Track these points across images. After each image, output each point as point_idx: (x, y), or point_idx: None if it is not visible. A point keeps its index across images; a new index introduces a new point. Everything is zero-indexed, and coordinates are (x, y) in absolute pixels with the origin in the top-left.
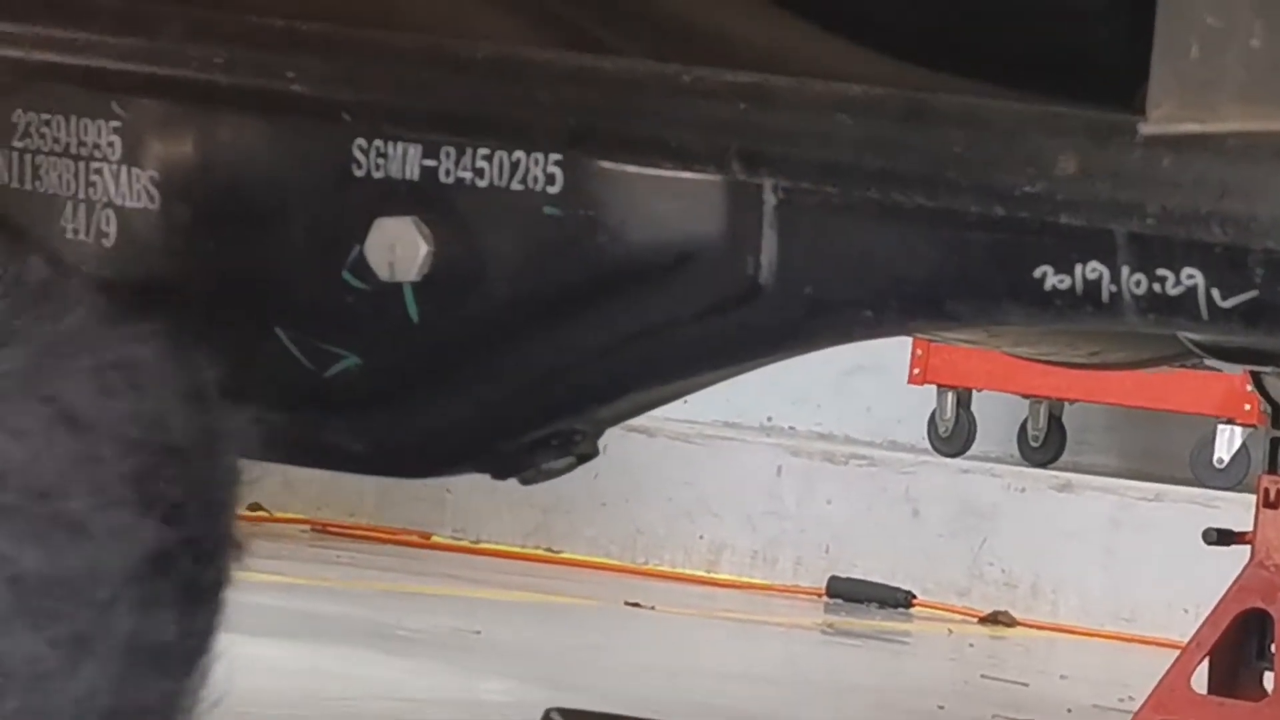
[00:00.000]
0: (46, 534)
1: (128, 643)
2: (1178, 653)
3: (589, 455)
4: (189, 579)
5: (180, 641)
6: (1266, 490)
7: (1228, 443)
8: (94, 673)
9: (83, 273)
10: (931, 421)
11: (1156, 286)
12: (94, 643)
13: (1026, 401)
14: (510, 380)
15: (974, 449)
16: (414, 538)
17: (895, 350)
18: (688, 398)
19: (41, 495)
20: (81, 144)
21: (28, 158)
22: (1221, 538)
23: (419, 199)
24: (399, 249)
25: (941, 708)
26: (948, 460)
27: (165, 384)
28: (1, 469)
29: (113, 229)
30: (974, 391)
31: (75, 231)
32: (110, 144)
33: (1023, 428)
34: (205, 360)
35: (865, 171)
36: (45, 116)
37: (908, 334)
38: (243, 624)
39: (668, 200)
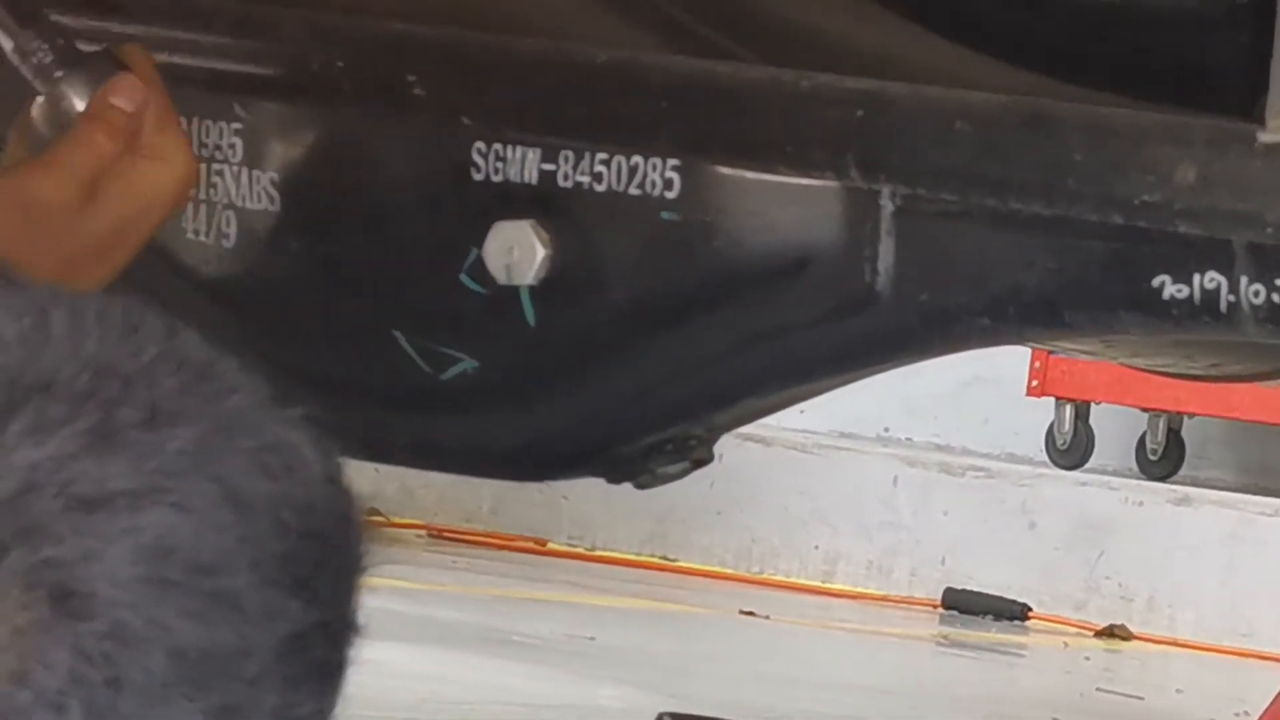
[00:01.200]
0: (206, 609)
1: (272, 716)
2: None
3: (704, 461)
4: (323, 660)
5: (314, 718)
6: None
7: None
8: None
9: (235, 358)
10: (1049, 434)
11: (1276, 296)
12: (243, 715)
13: (1145, 415)
14: (626, 384)
15: (1091, 462)
16: (530, 544)
17: (1013, 361)
18: (803, 407)
19: (204, 571)
20: (203, 145)
21: None
22: None
23: (537, 203)
24: (517, 252)
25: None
26: (1065, 473)
27: (312, 469)
28: (170, 544)
29: (233, 230)
30: (1092, 404)
31: (196, 232)
32: (231, 146)
33: (1141, 441)
34: (337, 447)
35: (984, 179)
36: None
37: (1024, 343)
38: (363, 627)
39: (785, 206)
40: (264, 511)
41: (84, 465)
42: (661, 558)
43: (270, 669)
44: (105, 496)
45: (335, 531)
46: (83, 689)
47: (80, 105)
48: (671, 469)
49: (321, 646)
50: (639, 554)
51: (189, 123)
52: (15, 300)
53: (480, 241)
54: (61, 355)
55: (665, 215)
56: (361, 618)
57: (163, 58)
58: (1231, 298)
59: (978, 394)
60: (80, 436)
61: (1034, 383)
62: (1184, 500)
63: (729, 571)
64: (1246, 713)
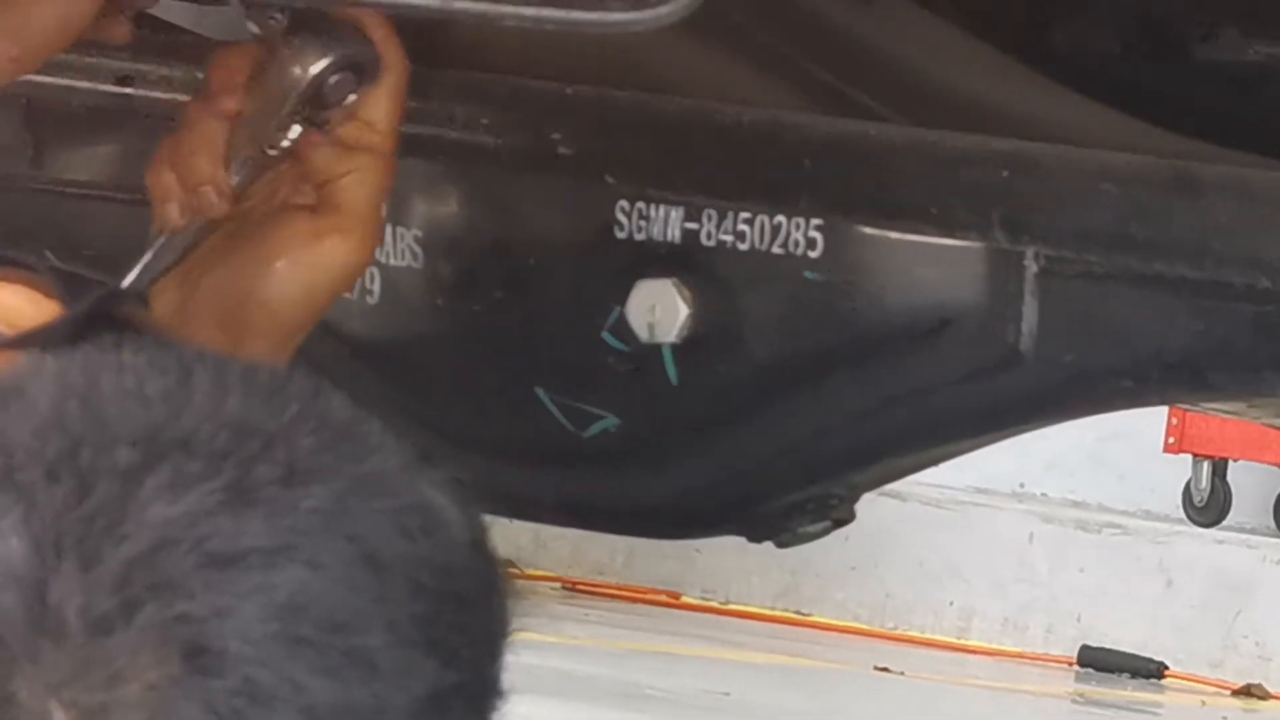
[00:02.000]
0: (339, 668)
1: None
2: None
3: (845, 520)
4: (464, 708)
5: None
6: None
7: None
8: None
9: (378, 420)
10: (1186, 491)
11: None
12: None
13: None
14: (768, 443)
15: (1229, 519)
16: (663, 597)
17: (1150, 418)
18: None
19: (338, 629)
20: None
21: None
22: None
23: (680, 261)
24: (659, 311)
25: None
26: (1202, 530)
27: (453, 531)
28: (302, 602)
29: (377, 286)
30: (1230, 461)
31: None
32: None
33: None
34: (481, 513)
35: (1129, 241)
36: None
37: (1167, 404)
38: (508, 691)
39: (928, 265)
40: (400, 572)
41: (219, 522)
42: (795, 612)
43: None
44: (239, 553)
45: (475, 594)
46: None
47: (308, 70)
48: (813, 528)
49: (460, 708)
50: (773, 609)
51: None
52: (162, 358)
53: (623, 299)
54: (202, 413)
55: (808, 274)
56: (506, 682)
57: None
58: None
59: (1114, 450)
60: (216, 493)
61: (1171, 439)
62: None
63: (863, 627)
64: None
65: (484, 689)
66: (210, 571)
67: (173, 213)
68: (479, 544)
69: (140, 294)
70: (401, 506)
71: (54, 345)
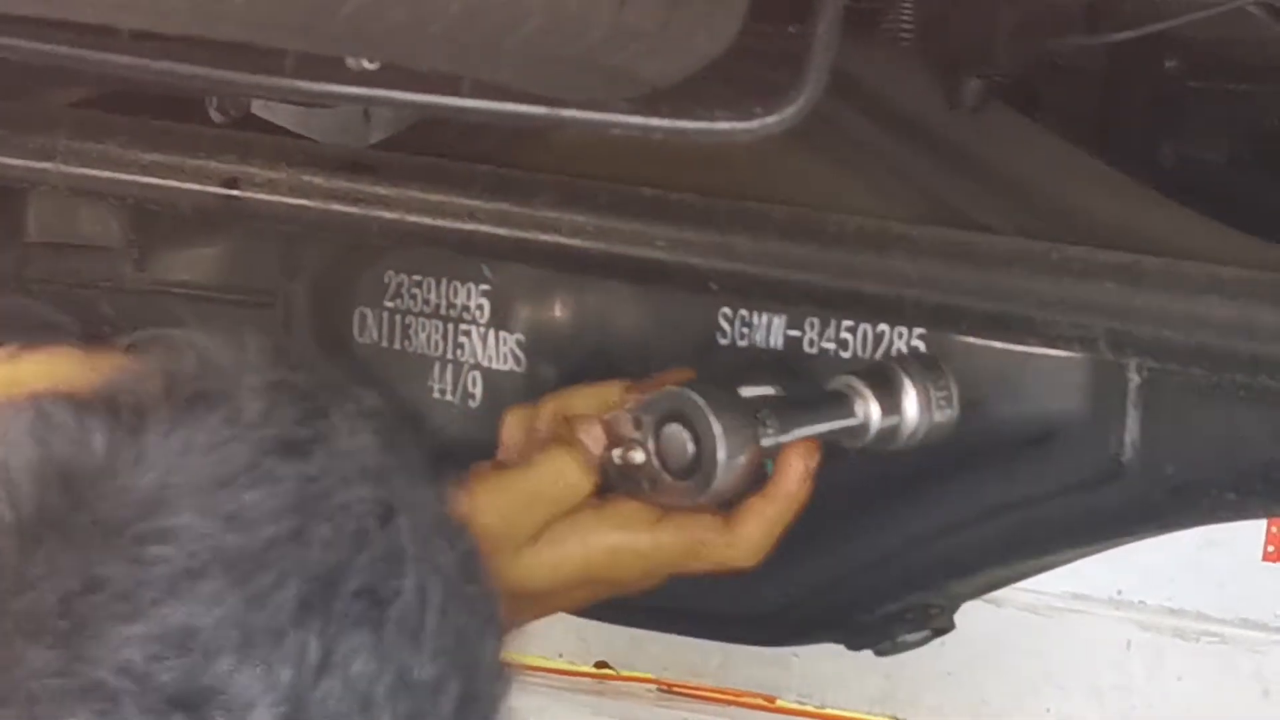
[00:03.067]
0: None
1: None
2: None
3: (944, 630)
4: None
5: None
6: None
7: None
8: None
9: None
10: None
11: None
12: None
13: None
14: (869, 551)
15: None
16: (759, 700)
17: (1249, 526)
18: None
19: (391, 695)
20: (451, 306)
21: (398, 318)
22: None
23: (782, 368)
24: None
25: None
26: None
27: (463, 574)
28: (364, 687)
29: (479, 390)
30: None
31: (442, 392)
32: (479, 307)
33: None
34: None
35: (1234, 355)
36: (416, 278)
37: (1271, 516)
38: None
39: (1032, 376)
40: (440, 631)
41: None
42: (892, 717)
43: None
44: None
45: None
46: None
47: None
48: (911, 637)
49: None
50: (869, 713)
51: (437, 283)
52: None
53: None
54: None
55: None
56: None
57: (414, 218)
58: None
59: (1213, 557)
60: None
61: (1270, 548)
62: None
63: None
64: None
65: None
66: (319, 685)
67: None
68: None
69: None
70: (431, 553)
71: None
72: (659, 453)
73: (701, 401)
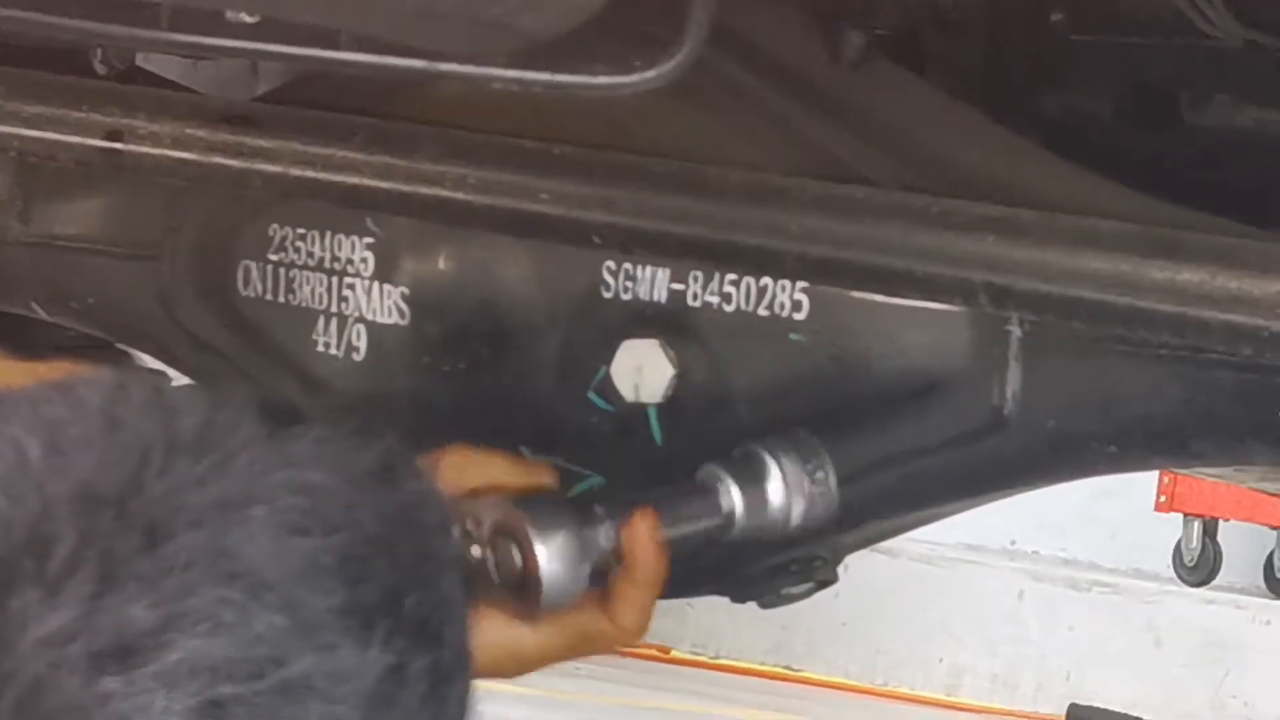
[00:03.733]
0: (276, 708)
1: None
2: None
3: (829, 582)
4: (428, 670)
5: None
6: None
7: None
8: None
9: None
10: (1177, 550)
11: None
12: None
13: (1275, 532)
14: None
15: (1219, 579)
16: (653, 651)
17: (1142, 477)
18: None
19: (257, 675)
20: (335, 259)
21: (282, 270)
22: None
23: (666, 322)
24: (645, 371)
25: None
26: (1192, 590)
27: (344, 488)
28: (210, 664)
29: (363, 343)
30: (1220, 521)
31: (327, 345)
32: (364, 260)
33: (1269, 559)
34: (373, 435)
35: (1113, 309)
36: (300, 231)
37: (1150, 469)
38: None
39: (913, 330)
40: (303, 577)
41: (95, 621)
42: (786, 668)
43: (366, 709)
44: (126, 647)
45: (398, 527)
46: None
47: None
48: (796, 589)
49: (420, 674)
50: (763, 663)
51: (321, 236)
52: None
53: (609, 359)
54: (46, 500)
55: (793, 336)
56: (465, 613)
57: (298, 171)
58: None
59: (1106, 509)
60: (85, 590)
61: (1162, 499)
62: None
63: (854, 683)
64: None
65: (439, 626)
66: (105, 679)
67: None
68: (386, 487)
69: None
70: (279, 505)
71: None
72: (495, 563)
73: (526, 520)
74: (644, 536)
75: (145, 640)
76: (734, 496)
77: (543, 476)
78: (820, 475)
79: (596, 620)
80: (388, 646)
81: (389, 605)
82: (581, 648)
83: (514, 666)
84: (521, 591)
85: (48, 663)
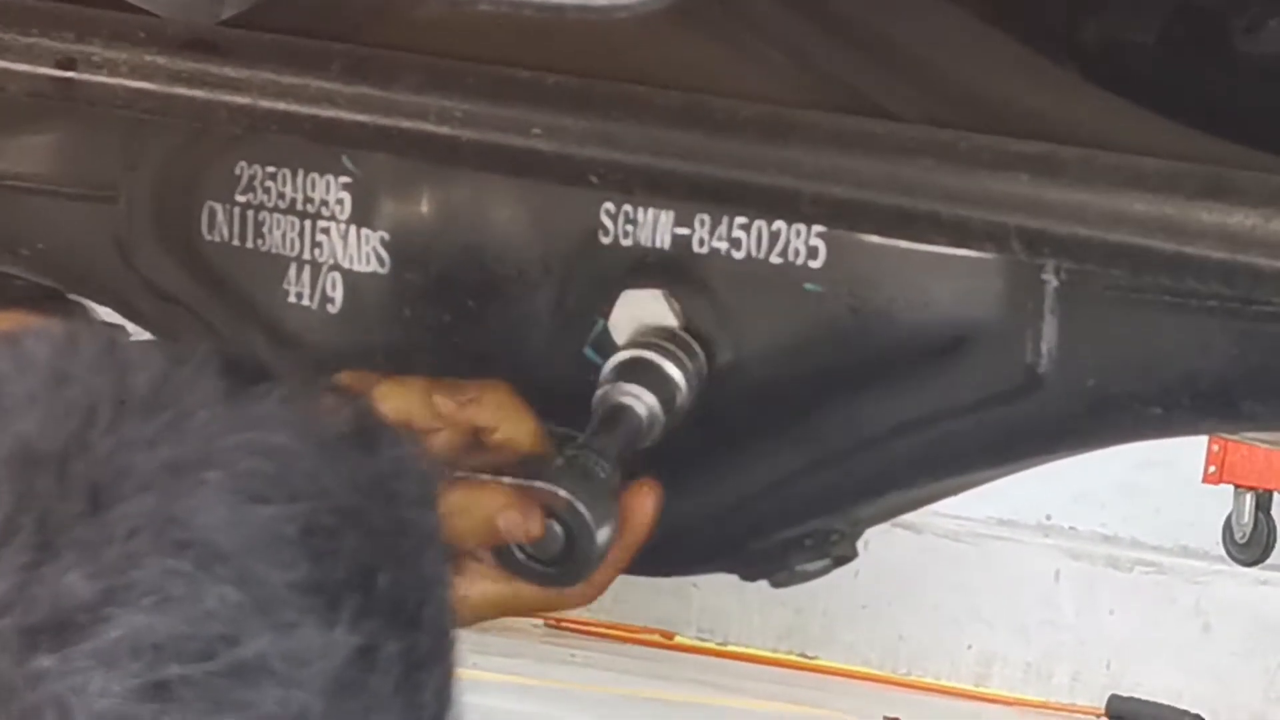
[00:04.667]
0: (228, 691)
1: None
2: None
3: (847, 558)
4: (401, 655)
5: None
6: None
7: None
8: None
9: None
10: (1227, 526)
11: None
12: None
13: None
14: (763, 473)
15: (1273, 557)
16: (656, 637)
17: (1189, 446)
18: None
19: (208, 654)
20: (308, 200)
21: (250, 213)
22: None
23: (669, 269)
24: (646, 324)
25: None
26: (1244, 569)
27: (310, 453)
28: (153, 642)
29: (339, 294)
30: (1275, 494)
31: (299, 295)
32: (339, 201)
33: None
34: (347, 396)
35: (1159, 255)
36: (270, 169)
37: (1199, 434)
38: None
39: (940, 280)
40: (260, 547)
41: (30, 592)
42: (800, 655)
43: (330, 715)
44: (63, 621)
45: (371, 493)
46: None
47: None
48: (811, 566)
49: (389, 657)
50: (775, 650)
51: (294, 175)
52: None
53: (607, 311)
54: None
55: (808, 287)
56: (447, 591)
57: (267, 103)
58: None
59: (1149, 480)
60: (19, 557)
61: (1211, 469)
62: None
63: (873, 672)
64: None
65: (416, 607)
66: (39, 656)
67: None
68: (360, 452)
69: None
70: (237, 469)
71: None
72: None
73: (578, 504)
74: (644, 511)
75: (83, 615)
76: (643, 398)
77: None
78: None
79: None
80: (356, 628)
81: (359, 582)
82: (554, 603)
83: (487, 611)
84: (559, 568)
85: None
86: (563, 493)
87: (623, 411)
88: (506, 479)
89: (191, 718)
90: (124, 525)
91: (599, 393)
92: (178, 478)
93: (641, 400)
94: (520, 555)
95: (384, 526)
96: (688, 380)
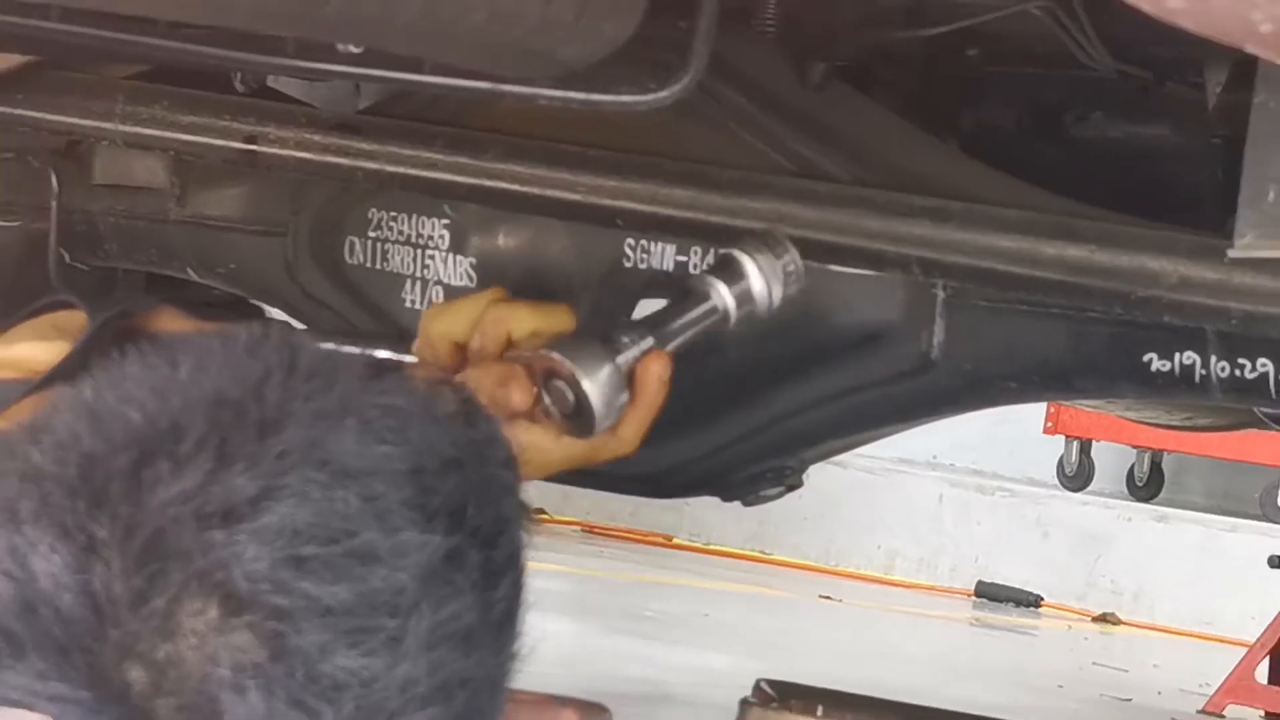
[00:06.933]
0: (345, 569)
1: (432, 634)
2: (1244, 652)
3: (796, 486)
4: (481, 564)
5: (482, 618)
6: None
7: None
8: (409, 666)
9: (349, 348)
10: (1060, 463)
11: (1237, 372)
12: (404, 642)
13: (1134, 450)
14: (738, 428)
15: (1092, 486)
16: (659, 539)
17: (1033, 406)
18: None
19: (332, 539)
20: (419, 235)
21: (378, 244)
22: None
23: (673, 286)
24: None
25: (1060, 687)
26: (1071, 494)
27: (425, 418)
28: (295, 528)
29: (441, 300)
30: (1093, 441)
31: (412, 302)
32: (441, 236)
33: (1130, 471)
34: (458, 388)
35: (1016, 278)
36: (393, 214)
37: (1042, 401)
38: (531, 602)
39: (864, 294)
40: (378, 472)
41: (209, 490)
42: (760, 552)
43: (421, 596)
44: (230, 509)
45: (465, 456)
46: (254, 670)
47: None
48: (770, 492)
49: (475, 556)
50: (743, 549)
51: (409, 217)
52: (153, 358)
53: (629, 315)
54: (187, 399)
55: None
56: (520, 529)
57: (390, 169)
58: (1203, 372)
59: (1006, 431)
60: (204, 466)
61: (1049, 424)
62: (1163, 518)
63: (812, 564)
64: (1207, 684)
65: (500, 527)
66: (211, 532)
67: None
68: (459, 416)
69: (137, 304)
70: (366, 419)
71: (68, 376)
72: (551, 400)
73: (571, 366)
74: (655, 377)
75: (245, 506)
76: (723, 294)
77: (563, 314)
78: (788, 259)
79: (605, 435)
80: (446, 539)
81: (451, 510)
82: (593, 456)
83: (541, 471)
84: (578, 420)
85: (169, 518)
86: (555, 355)
87: (692, 295)
88: (512, 354)
89: (318, 583)
90: (280, 449)
91: (692, 278)
92: (323, 421)
93: (718, 290)
94: (554, 412)
95: (474, 477)
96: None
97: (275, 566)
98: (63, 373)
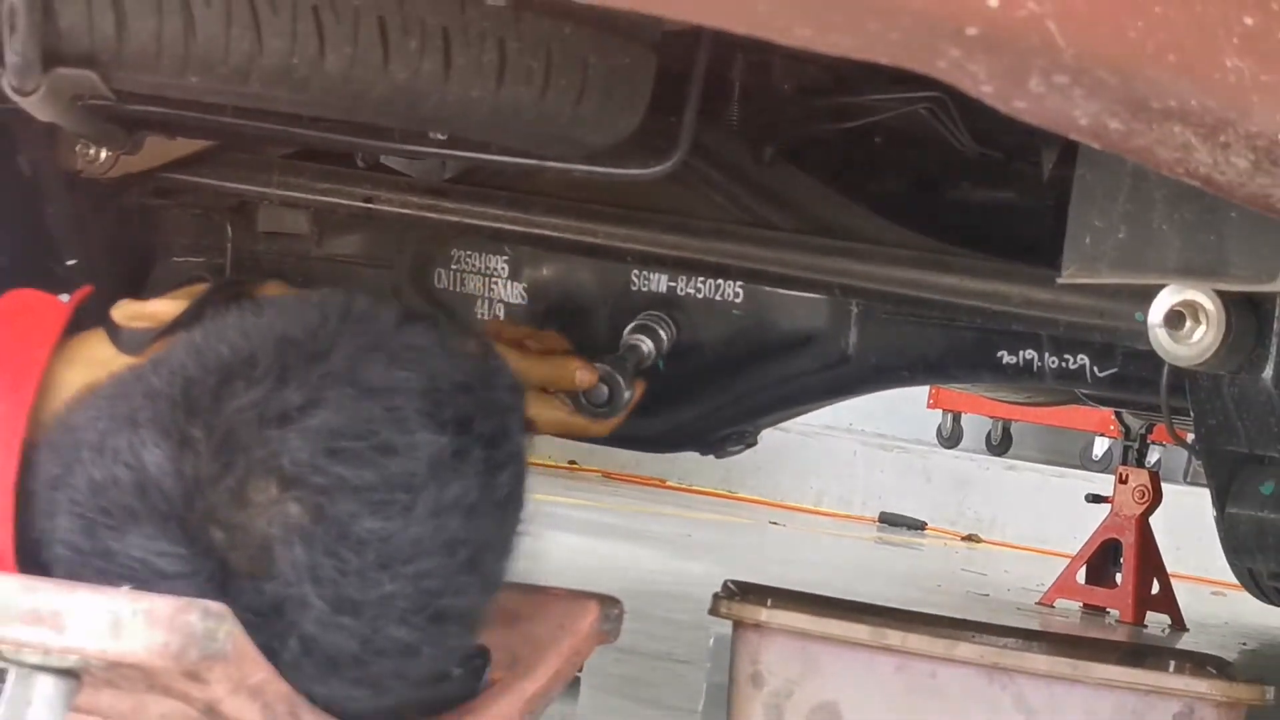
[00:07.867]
0: (370, 458)
1: (438, 506)
2: (1068, 561)
3: (753, 444)
4: (484, 459)
5: (484, 497)
6: (1121, 474)
7: (1101, 447)
8: (418, 528)
9: (397, 304)
10: (939, 428)
11: (1063, 364)
12: (414, 511)
13: (992, 419)
14: (711, 404)
15: (962, 445)
16: (656, 481)
17: (920, 388)
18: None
19: (360, 436)
20: (487, 267)
21: (458, 273)
22: (1096, 500)
23: (666, 304)
24: (660, 333)
25: (939, 586)
26: (947, 451)
27: (441, 353)
28: (333, 428)
29: (502, 314)
30: (963, 413)
31: (482, 316)
32: (502, 268)
33: (989, 434)
34: (476, 335)
35: (908, 298)
36: (469, 252)
37: (927, 384)
38: (563, 526)
39: (800, 308)
40: (401, 389)
41: (270, 400)
42: (728, 491)
43: (429, 479)
44: (284, 413)
45: (475, 380)
46: (300, 530)
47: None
48: (735, 448)
49: (479, 452)
50: (716, 489)
51: (480, 254)
52: (247, 311)
53: (634, 323)
54: (263, 338)
55: (735, 312)
56: (518, 434)
57: (468, 221)
58: (1040, 364)
59: (901, 404)
60: (268, 384)
61: (931, 400)
62: (1012, 467)
63: (765, 500)
64: (1042, 584)
65: (502, 433)
66: (269, 430)
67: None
68: (474, 352)
69: (248, 278)
70: (394, 351)
71: (186, 325)
72: (585, 396)
73: (619, 376)
74: (635, 397)
75: (295, 411)
76: (646, 343)
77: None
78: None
79: (591, 419)
80: (455, 439)
81: (459, 419)
82: (583, 431)
83: (559, 430)
84: (601, 410)
85: (240, 421)
86: (612, 369)
87: (633, 348)
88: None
89: (348, 468)
90: (324, 372)
91: (622, 340)
92: (360, 353)
93: (644, 343)
94: (584, 400)
95: (483, 398)
96: (665, 341)
97: (316, 455)
98: (182, 322)
